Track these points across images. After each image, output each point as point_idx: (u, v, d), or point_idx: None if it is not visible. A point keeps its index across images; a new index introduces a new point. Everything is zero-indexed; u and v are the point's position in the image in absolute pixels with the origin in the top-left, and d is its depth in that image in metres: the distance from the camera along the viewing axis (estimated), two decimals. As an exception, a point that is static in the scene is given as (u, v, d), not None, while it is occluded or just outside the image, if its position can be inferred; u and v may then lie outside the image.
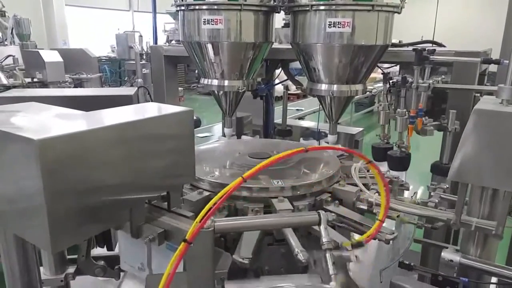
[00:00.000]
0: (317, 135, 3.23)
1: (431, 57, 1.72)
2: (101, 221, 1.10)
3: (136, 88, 1.89)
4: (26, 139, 0.93)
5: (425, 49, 1.75)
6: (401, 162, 1.93)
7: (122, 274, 1.81)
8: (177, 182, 1.34)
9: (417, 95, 1.78)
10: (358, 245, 0.98)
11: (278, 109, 3.50)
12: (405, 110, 1.87)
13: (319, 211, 0.95)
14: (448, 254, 1.36)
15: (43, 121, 1.14)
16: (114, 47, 11.56)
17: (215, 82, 2.37)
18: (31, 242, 1.19)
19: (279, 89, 3.64)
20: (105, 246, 1.76)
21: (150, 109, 1.35)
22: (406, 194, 1.82)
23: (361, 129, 3.70)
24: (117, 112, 1.24)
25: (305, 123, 3.99)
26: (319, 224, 0.94)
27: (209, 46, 2.25)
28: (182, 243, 0.87)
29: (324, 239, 0.93)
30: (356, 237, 1.22)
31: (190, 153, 1.35)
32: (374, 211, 1.49)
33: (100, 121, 1.12)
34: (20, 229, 1.07)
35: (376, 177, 1.11)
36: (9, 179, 1.03)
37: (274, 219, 1.09)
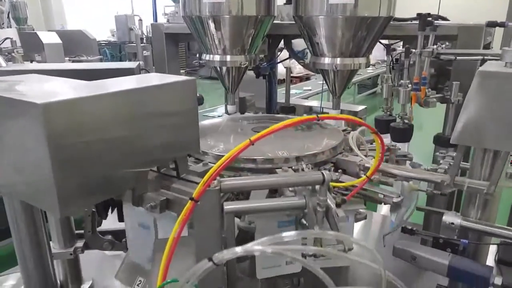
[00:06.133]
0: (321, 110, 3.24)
1: (435, 22, 1.70)
2: (106, 188, 1.12)
3: (138, 62, 1.89)
4: (31, 104, 0.94)
5: (429, 13, 1.74)
6: (404, 133, 1.94)
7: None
8: (181, 152, 1.36)
9: (420, 62, 1.77)
10: (342, 201, 1.01)
11: (280, 93, 3.48)
12: (408, 81, 1.86)
13: (323, 171, 0.97)
14: (449, 217, 1.38)
15: (46, 89, 1.14)
16: (114, 31, 11.44)
17: (217, 57, 2.36)
18: (40, 207, 1.21)
19: (281, 71, 3.62)
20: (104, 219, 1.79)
21: (154, 78, 1.36)
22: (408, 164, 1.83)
23: (364, 107, 3.71)
24: (120, 80, 1.25)
25: (308, 102, 3.99)
26: (322, 183, 0.95)
27: (211, 21, 2.22)
28: (189, 201, 0.89)
29: (321, 197, 0.95)
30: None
31: (194, 123, 1.37)
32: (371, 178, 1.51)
33: (104, 88, 1.13)
34: (28, 196, 1.09)
35: (376, 142, 1.13)
36: (14, 146, 1.04)
37: (279, 178, 1.11)
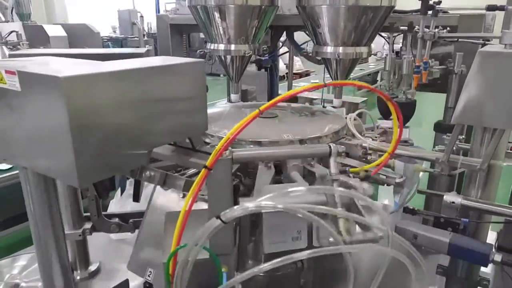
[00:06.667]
0: (322, 104, 3.28)
1: (437, 6, 1.74)
2: (121, 162, 1.16)
3: (147, 47, 1.93)
4: (52, 77, 0.98)
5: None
6: (406, 108, 1.97)
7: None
8: (190, 131, 1.40)
9: (422, 44, 1.81)
10: (366, 176, 1.04)
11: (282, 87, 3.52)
12: (411, 55, 1.90)
13: (330, 143, 1.01)
14: (450, 197, 1.42)
15: (64, 66, 1.18)
16: (116, 28, 11.47)
17: (222, 46, 2.40)
18: (58, 179, 1.25)
19: (282, 68, 3.66)
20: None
21: (164, 59, 1.40)
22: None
23: (364, 99, 3.75)
24: (133, 60, 1.29)
25: (310, 94, 4.03)
26: (329, 155, 0.99)
27: (216, 10, 2.26)
28: (203, 169, 0.93)
29: (332, 170, 0.99)
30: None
31: (202, 103, 1.41)
32: (368, 158, 1.55)
33: (120, 65, 1.17)
34: (47, 168, 1.13)
35: (392, 110, 1.14)
36: (34, 121, 1.08)
37: (287, 150, 1.15)
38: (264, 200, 0.81)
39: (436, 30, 1.77)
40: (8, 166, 2.98)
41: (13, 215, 3.14)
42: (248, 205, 0.80)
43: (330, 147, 1.00)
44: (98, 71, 1.05)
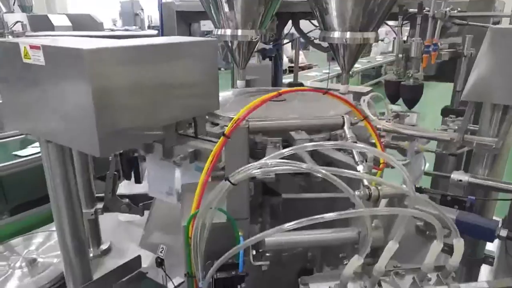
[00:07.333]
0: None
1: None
2: (138, 134, 1.20)
3: (157, 31, 1.94)
4: (75, 50, 1.01)
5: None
6: (414, 90, 1.98)
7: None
8: (202, 108, 1.43)
9: (433, 24, 1.82)
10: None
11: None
12: (420, 38, 1.91)
13: (343, 115, 1.03)
14: (457, 175, 1.44)
15: (84, 41, 1.21)
16: (116, 20, 11.46)
17: (229, 31, 2.41)
18: (81, 150, 1.29)
19: (284, 61, 3.67)
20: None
21: (178, 38, 1.43)
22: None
23: (370, 88, 3.76)
24: (149, 38, 1.32)
25: (314, 84, 4.05)
26: (342, 126, 1.02)
27: (223, -5, 2.27)
28: (222, 137, 0.96)
29: (348, 135, 1.01)
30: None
31: (214, 81, 1.43)
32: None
33: (138, 41, 1.20)
34: (69, 140, 1.17)
35: (367, 126, 1.14)
36: (59, 94, 1.12)
37: (302, 121, 1.17)
38: (270, 159, 0.83)
39: (448, 9, 1.78)
40: (24, 153, 3.03)
41: (23, 202, 3.21)
42: (254, 164, 0.83)
43: (343, 118, 1.02)
44: (119, 45, 1.08)
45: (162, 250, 1.62)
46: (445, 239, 0.99)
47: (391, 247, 0.89)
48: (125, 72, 1.10)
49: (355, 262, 0.88)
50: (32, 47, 1.11)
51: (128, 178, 1.74)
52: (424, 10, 1.85)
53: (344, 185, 0.83)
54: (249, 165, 0.84)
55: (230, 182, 0.86)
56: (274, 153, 0.82)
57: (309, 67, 10.37)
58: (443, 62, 2.23)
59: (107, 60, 1.04)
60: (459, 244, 0.97)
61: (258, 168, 0.82)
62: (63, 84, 1.08)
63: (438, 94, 2.12)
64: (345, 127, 1.01)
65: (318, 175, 0.81)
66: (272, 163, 0.81)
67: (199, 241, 0.93)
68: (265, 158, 0.83)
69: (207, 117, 1.59)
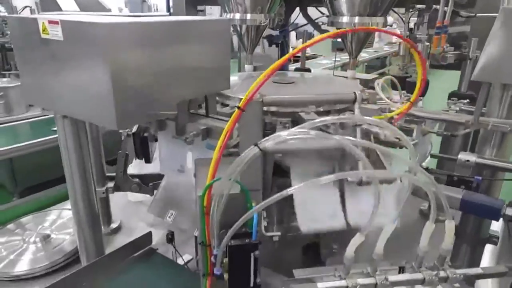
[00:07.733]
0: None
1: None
2: (153, 110, 1.23)
3: (168, 13, 1.96)
4: (94, 24, 1.04)
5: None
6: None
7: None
8: (214, 87, 1.45)
9: (443, 9, 1.82)
10: (389, 121, 1.08)
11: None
12: (426, 36, 1.92)
13: (355, 91, 1.05)
14: (464, 156, 1.46)
15: (101, 17, 1.24)
16: (122, 9, 11.40)
17: (238, 15, 2.42)
18: (98, 124, 1.32)
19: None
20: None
21: (192, 17, 1.44)
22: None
23: (376, 75, 3.76)
24: (164, 16, 1.34)
25: (325, 71, 4.04)
26: (354, 101, 1.04)
27: (233, -21, 2.28)
28: (236, 109, 0.98)
29: (357, 114, 1.04)
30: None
31: (226, 60, 1.45)
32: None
33: (153, 18, 1.22)
34: (87, 114, 1.20)
35: (415, 56, 1.16)
36: (75, 69, 1.14)
37: (315, 96, 1.20)
38: (298, 128, 0.85)
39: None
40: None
41: (33, 185, 3.29)
42: (282, 134, 0.85)
43: (355, 93, 1.04)
44: (135, 21, 1.11)
45: (171, 216, 1.66)
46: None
47: (388, 229, 0.90)
48: (141, 48, 1.12)
49: (357, 239, 0.89)
50: (50, 22, 1.13)
51: (141, 158, 1.77)
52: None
53: (363, 156, 0.85)
54: (278, 133, 0.86)
55: (259, 148, 0.88)
56: (301, 124, 0.84)
57: (313, 56, 10.31)
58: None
59: (124, 35, 1.06)
60: (450, 225, 0.94)
61: (287, 136, 0.84)
62: (81, 58, 1.11)
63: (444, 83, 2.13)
64: (355, 106, 1.03)
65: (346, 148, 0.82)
66: (301, 131, 0.83)
67: (216, 210, 0.96)
68: (294, 129, 0.84)
69: (217, 98, 1.62)
